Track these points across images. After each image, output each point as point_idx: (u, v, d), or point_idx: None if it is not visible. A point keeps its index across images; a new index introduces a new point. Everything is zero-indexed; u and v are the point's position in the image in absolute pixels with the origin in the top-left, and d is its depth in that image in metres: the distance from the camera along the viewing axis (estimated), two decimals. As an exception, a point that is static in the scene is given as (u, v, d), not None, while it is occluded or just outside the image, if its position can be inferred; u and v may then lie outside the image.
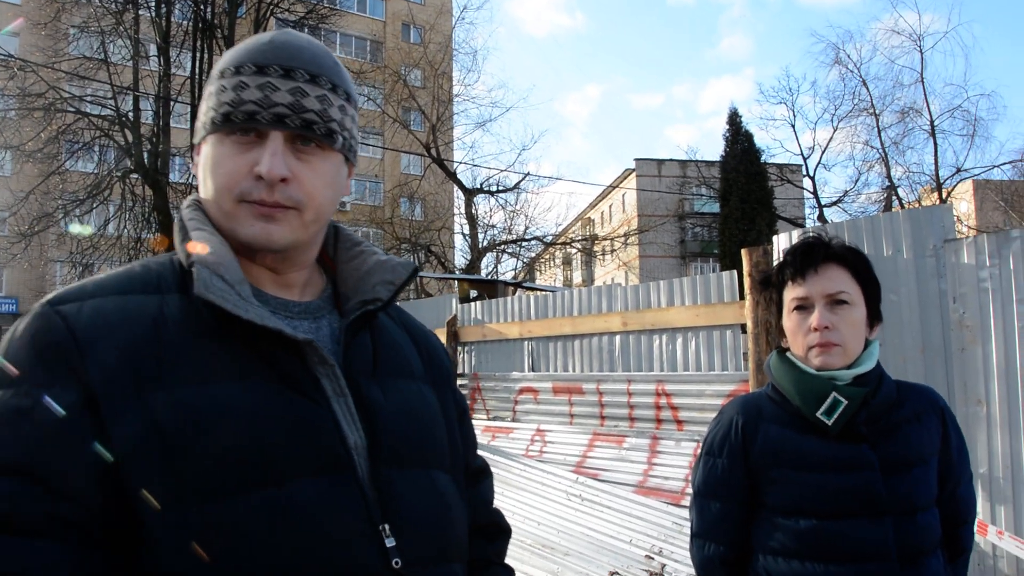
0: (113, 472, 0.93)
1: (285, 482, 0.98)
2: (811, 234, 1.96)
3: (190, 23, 19.03)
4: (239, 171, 1.09)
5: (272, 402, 1.02)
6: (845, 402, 1.80)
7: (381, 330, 1.26)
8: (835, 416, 1.80)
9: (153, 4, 18.77)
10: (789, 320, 1.91)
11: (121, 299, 1.04)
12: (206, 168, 1.12)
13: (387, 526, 1.05)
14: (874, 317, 1.93)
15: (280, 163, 1.08)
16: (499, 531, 1.48)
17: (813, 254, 1.89)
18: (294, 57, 1.12)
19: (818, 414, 1.82)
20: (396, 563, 1.04)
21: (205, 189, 1.13)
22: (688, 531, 2.06)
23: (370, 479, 1.07)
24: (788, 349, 1.96)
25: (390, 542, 1.04)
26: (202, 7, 18.66)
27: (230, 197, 1.10)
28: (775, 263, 1.98)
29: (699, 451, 2.05)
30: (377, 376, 1.18)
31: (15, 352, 0.97)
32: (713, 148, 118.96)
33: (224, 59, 1.15)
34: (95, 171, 19.58)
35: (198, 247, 1.08)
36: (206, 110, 1.13)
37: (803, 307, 1.87)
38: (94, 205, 18.91)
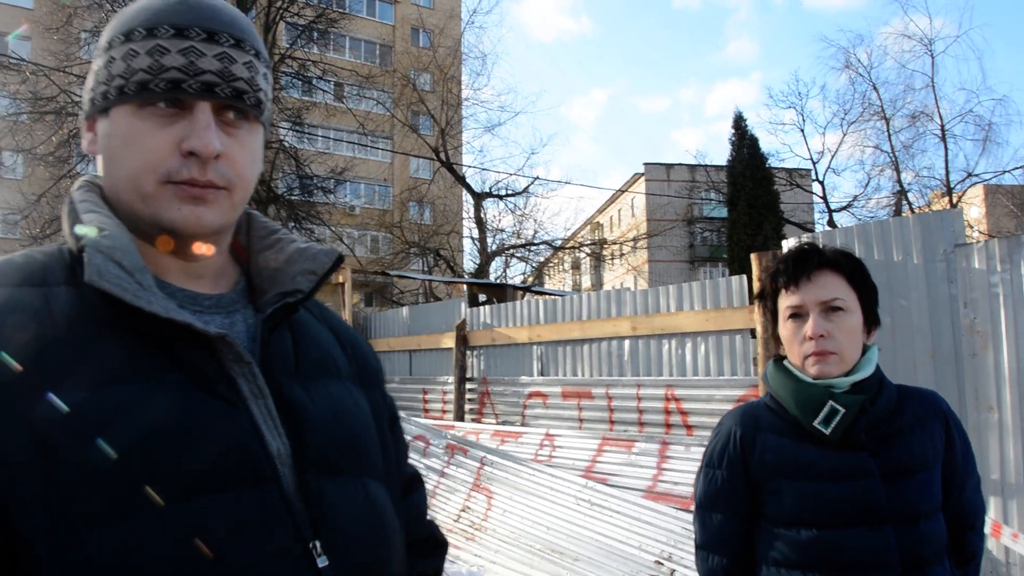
0: None
1: (196, 498, 0.85)
2: (805, 242, 1.94)
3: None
4: (162, 148, 0.96)
5: (179, 406, 0.88)
6: (843, 410, 1.78)
7: (302, 326, 1.13)
8: (832, 425, 1.78)
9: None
10: (784, 329, 1.89)
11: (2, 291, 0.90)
12: (115, 145, 0.98)
13: (318, 543, 0.93)
14: (871, 322, 1.90)
15: (215, 137, 0.97)
16: (436, 545, 1.34)
17: (806, 261, 1.87)
18: (215, 19, 1.00)
19: (815, 423, 1.80)
20: None
21: (114, 169, 1.00)
22: None
23: (296, 490, 0.95)
24: (785, 358, 1.94)
25: (322, 561, 0.93)
26: (211, 11, 18.74)
27: (153, 178, 0.96)
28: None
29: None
30: (300, 375, 1.05)
31: None
32: (720, 152, 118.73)
33: (123, 20, 1.00)
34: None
35: (88, 230, 0.94)
36: (107, 78, 0.98)
37: (798, 315, 1.85)
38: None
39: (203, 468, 0.86)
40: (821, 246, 1.93)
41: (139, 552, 0.79)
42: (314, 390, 1.05)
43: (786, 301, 1.88)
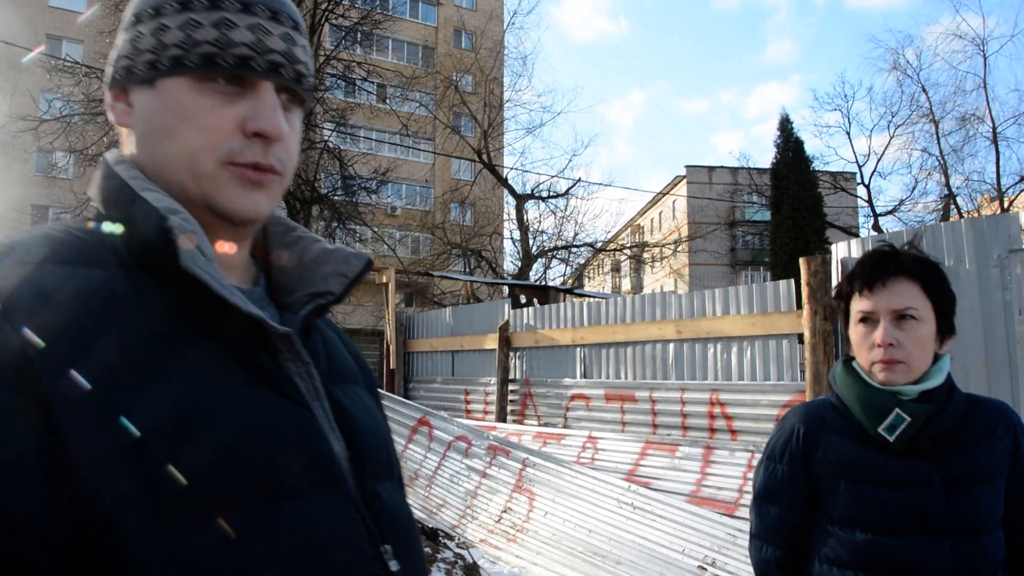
0: (77, 499, 0.72)
1: (282, 500, 0.82)
2: (884, 244, 1.91)
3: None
4: (225, 126, 0.90)
5: (256, 405, 0.85)
6: (908, 419, 1.75)
7: (320, 328, 1.10)
8: (897, 433, 1.76)
9: (210, 11, 19.14)
10: (855, 332, 1.87)
11: (59, 270, 0.80)
12: (166, 120, 0.91)
13: (389, 547, 0.92)
14: (945, 331, 1.86)
15: (283, 119, 0.93)
16: None
17: (883, 267, 1.84)
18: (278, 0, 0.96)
19: (880, 429, 1.78)
20: None
21: (161, 145, 0.92)
22: (741, 542, 2.06)
23: (358, 494, 0.93)
24: (854, 359, 1.92)
25: (394, 565, 0.91)
26: (258, 13, 19.00)
27: (212, 157, 0.90)
28: (835, 272, 1.97)
29: (759, 456, 2.04)
30: (334, 379, 1.01)
31: None
32: (761, 155, 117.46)
33: None
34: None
35: (176, 212, 0.88)
36: (156, 46, 0.91)
37: (868, 320, 1.84)
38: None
39: (288, 470, 0.84)
40: (899, 250, 1.89)
41: (238, 550, 0.77)
42: (348, 394, 1.02)
43: (858, 305, 1.86)
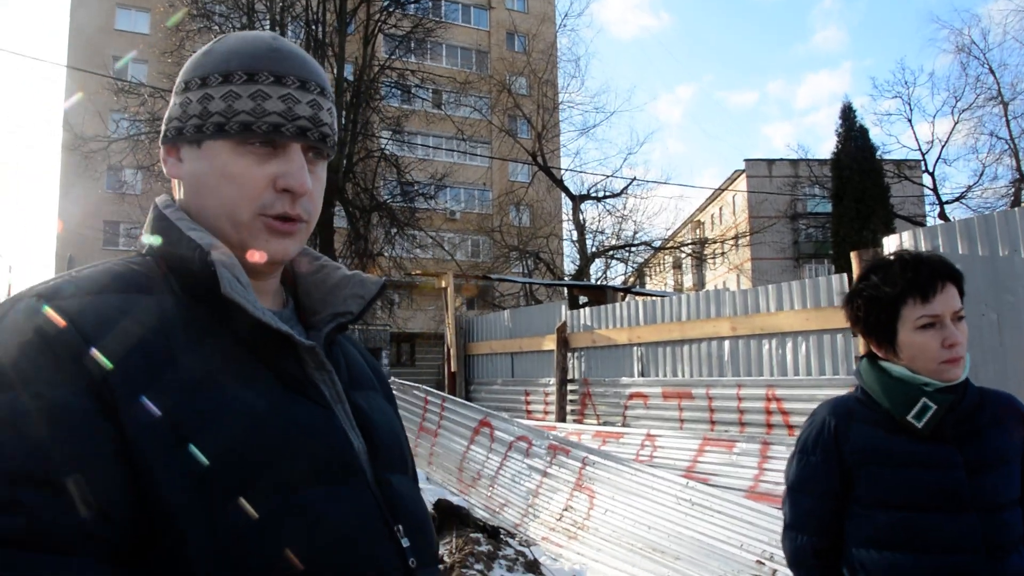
0: (135, 478, 0.87)
1: (307, 486, 0.97)
2: (924, 253, 2.06)
3: (302, 42, 19.79)
4: (259, 183, 1.07)
5: (286, 407, 1.01)
6: (934, 407, 1.91)
7: (341, 343, 1.27)
8: (925, 419, 1.91)
9: (267, 26, 19.59)
10: (917, 337, 1.97)
11: (120, 297, 0.98)
12: (210, 176, 1.09)
13: (400, 527, 1.06)
14: None
15: (308, 177, 1.09)
16: None
17: (937, 274, 1.98)
18: (306, 68, 1.12)
19: (908, 417, 1.93)
20: (412, 562, 1.06)
21: (205, 197, 1.10)
22: None
23: (375, 483, 1.08)
24: (878, 356, 2.07)
25: (405, 542, 1.06)
26: (313, 27, 19.39)
27: (249, 209, 1.07)
28: (879, 276, 2.06)
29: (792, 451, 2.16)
30: (353, 385, 1.18)
31: (7, 350, 0.88)
32: (816, 144, 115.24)
33: (217, 60, 1.11)
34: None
35: (216, 248, 1.04)
36: (203, 112, 1.08)
37: (931, 325, 1.95)
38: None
39: (310, 460, 0.99)
40: (938, 258, 2.05)
41: (271, 525, 0.91)
42: (366, 398, 1.19)
43: (919, 311, 1.96)
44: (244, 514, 0.90)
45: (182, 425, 0.90)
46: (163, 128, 1.15)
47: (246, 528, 0.90)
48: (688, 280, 50.84)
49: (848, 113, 32.27)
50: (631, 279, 32.70)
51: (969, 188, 30.36)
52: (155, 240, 1.09)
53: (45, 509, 0.81)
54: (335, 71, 18.89)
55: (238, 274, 1.04)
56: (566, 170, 31.16)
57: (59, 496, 0.82)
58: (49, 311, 0.91)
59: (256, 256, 1.10)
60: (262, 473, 0.93)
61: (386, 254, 20.84)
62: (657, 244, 31.45)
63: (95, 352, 0.89)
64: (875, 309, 2.04)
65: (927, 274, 1.97)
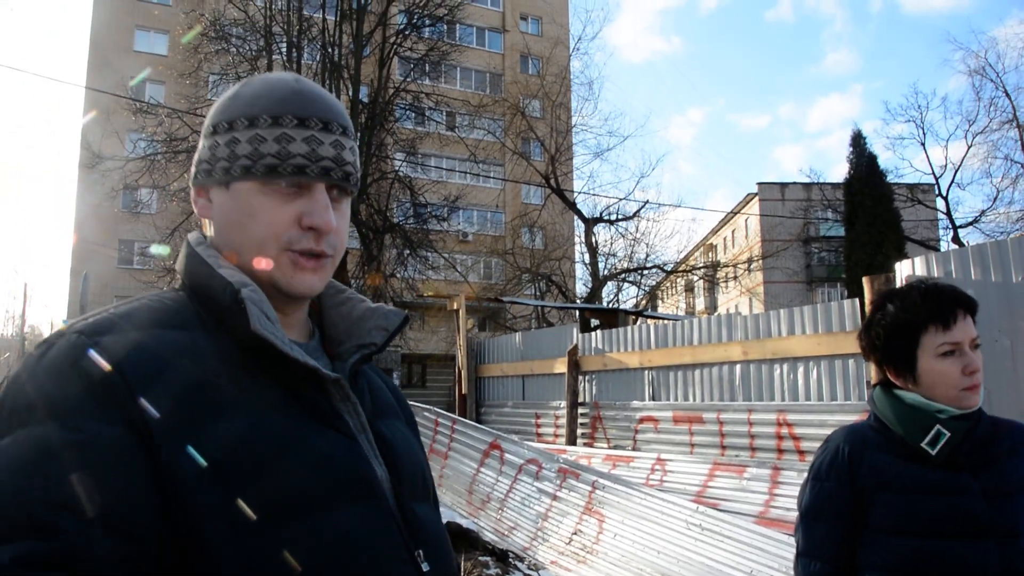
0: (172, 509, 0.91)
1: (332, 511, 1.00)
2: (938, 281, 2.08)
3: (319, 65, 19.95)
4: (285, 221, 1.10)
5: (312, 436, 1.04)
6: (948, 434, 1.91)
7: (367, 374, 1.30)
8: (939, 446, 1.91)
9: (284, 49, 19.77)
10: (937, 364, 1.98)
11: (157, 333, 1.03)
12: (237, 215, 1.13)
13: (421, 552, 1.10)
14: None
15: (332, 215, 1.12)
16: None
17: (956, 303, 1.99)
18: (329, 110, 1.16)
19: (923, 444, 1.92)
20: None
21: (234, 234, 1.14)
22: None
23: (396, 509, 1.11)
24: (892, 384, 2.06)
25: (425, 566, 1.09)
26: (329, 49, 19.54)
27: (276, 245, 1.11)
28: (897, 304, 2.09)
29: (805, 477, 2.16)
30: (377, 415, 1.21)
31: (50, 384, 0.93)
32: (827, 168, 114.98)
33: (243, 104, 1.15)
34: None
35: (246, 284, 1.09)
36: (230, 155, 1.13)
37: (951, 352, 1.96)
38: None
39: (336, 487, 1.03)
40: (949, 284, 2.06)
41: (301, 550, 0.95)
42: (389, 428, 1.22)
43: (941, 338, 1.97)
44: (272, 540, 0.94)
45: (218, 459, 0.94)
46: (192, 170, 1.20)
47: (273, 552, 0.94)
48: (700, 303, 50.73)
49: (858, 140, 32.22)
50: (643, 302, 32.64)
51: (983, 212, 30.24)
52: (188, 276, 1.14)
53: (81, 535, 0.84)
54: (351, 93, 19.03)
55: (266, 310, 1.08)
56: (579, 193, 31.28)
57: (95, 523, 0.85)
58: (88, 346, 0.95)
59: (287, 287, 1.13)
60: (290, 501, 0.97)
61: (398, 275, 20.89)
62: (669, 267, 31.42)
63: (135, 388, 0.94)
64: (895, 337, 2.04)
65: (947, 302, 1.99)
